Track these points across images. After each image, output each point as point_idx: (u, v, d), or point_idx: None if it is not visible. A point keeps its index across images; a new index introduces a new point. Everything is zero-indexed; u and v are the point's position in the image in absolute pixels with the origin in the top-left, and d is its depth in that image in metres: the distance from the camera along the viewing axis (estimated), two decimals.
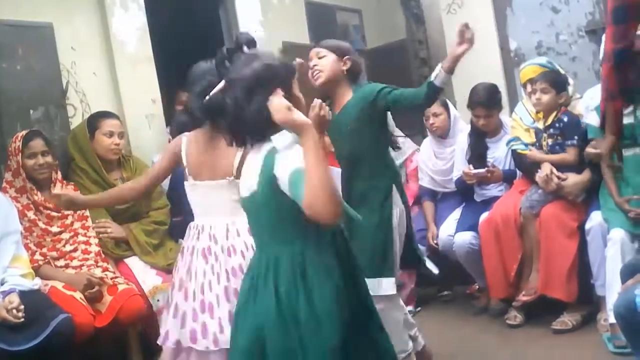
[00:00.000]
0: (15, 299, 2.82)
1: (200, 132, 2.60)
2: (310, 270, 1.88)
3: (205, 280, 2.47)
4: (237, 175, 2.39)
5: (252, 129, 1.91)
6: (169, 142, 4.43)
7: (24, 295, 2.90)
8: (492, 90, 4.13)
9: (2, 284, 2.95)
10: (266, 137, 1.90)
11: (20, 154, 3.29)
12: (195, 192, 2.58)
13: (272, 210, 1.90)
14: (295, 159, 1.80)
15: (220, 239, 2.50)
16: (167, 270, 3.56)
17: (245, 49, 2.04)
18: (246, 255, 2.44)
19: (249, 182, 1.94)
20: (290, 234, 1.92)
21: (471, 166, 4.03)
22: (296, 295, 1.86)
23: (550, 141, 3.67)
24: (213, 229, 2.52)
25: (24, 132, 3.35)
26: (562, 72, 3.84)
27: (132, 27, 4.35)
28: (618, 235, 3.25)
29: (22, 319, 2.77)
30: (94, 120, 3.71)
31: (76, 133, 3.74)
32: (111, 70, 4.18)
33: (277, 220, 1.92)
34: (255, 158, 1.94)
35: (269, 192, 1.87)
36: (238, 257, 2.47)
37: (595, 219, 3.44)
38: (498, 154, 4.15)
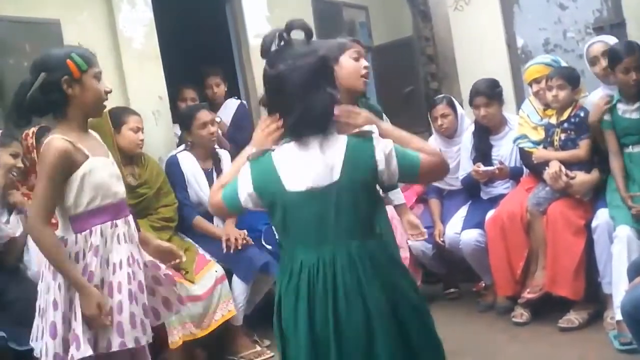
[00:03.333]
0: None
1: None
2: (388, 261, 1.92)
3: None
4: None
5: (321, 120, 1.87)
6: (177, 139, 4.47)
7: (32, 291, 2.90)
8: (492, 83, 4.13)
9: None
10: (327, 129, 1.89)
11: (34, 151, 3.28)
12: None
13: (356, 201, 1.84)
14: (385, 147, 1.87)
15: None
16: (174, 267, 3.57)
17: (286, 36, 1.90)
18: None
19: (319, 172, 1.82)
20: (370, 225, 1.91)
21: (480, 164, 4.03)
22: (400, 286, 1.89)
23: (563, 136, 3.65)
24: None
25: (34, 129, 3.34)
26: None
27: (138, 23, 4.35)
28: (624, 232, 3.24)
29: None
30: (120, 115, 3.73)
31: (95, 126, 3.74)
32: (118, 66, 4.18)
33: (357, 212, 1.85)
34: (318, 151, 1.84)
35: (354, 181, 1.83)
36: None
37: (601, 216, 3.43)
38: (503, 151, 4.14)
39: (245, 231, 3.84)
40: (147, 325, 2.35)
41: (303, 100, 1.83)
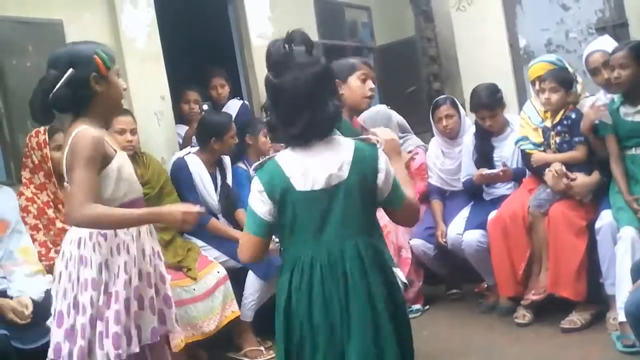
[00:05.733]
0: (29, 302, 2.81)
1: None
2: (387, 258, 2.06)
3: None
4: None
5: (327, 126, 1.96)
6: (181, 140, 4.47)
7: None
8: (492, 90, 4.10)
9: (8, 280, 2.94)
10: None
11: (46, 147, 3.26)
12: None
13: (362, 199, 1.94)
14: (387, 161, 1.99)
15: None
16: (177, 267, 3.58)
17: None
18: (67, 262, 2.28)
19: (328, 171, 1.91)
20: (373, 223, 2.03)
21: (485, 169, 4.03)
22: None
23: (558, 139, 3.66)
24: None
25: (46, 127, 3.30)
26: (571, 69, 3.81)
27: (141, 23, 4.34)
28: (628, 233, 3.24)
29: (29, 320, 2.76)
30: None
31: None
32: (120, 67, 4.14)
33: (363, 209, 1.96)
34: (323, 153, 1.93)
35: (361, 181, 1.93)
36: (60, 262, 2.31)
37: (605, 218, 3.42)
38: (504, 152, 4.14)
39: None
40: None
41: (309, 109, 1.91)
